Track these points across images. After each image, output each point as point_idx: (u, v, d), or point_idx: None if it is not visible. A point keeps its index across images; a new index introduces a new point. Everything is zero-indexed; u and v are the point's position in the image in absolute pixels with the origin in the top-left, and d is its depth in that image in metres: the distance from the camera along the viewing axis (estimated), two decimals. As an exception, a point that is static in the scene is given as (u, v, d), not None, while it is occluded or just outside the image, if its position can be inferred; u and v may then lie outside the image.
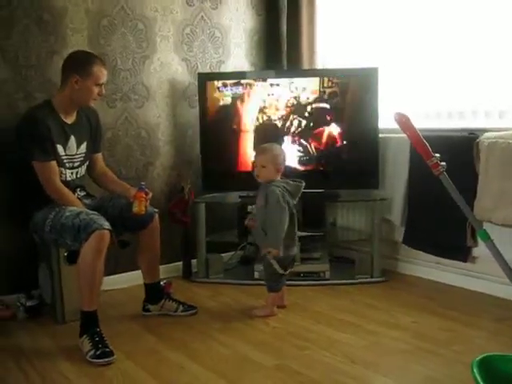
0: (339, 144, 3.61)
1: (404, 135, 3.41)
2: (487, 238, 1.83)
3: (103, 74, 2.80)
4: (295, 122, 3.61)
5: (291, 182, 2.94)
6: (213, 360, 2.48)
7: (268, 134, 3.58)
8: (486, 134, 3.14)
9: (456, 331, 2.75)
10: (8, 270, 3.12)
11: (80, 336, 2.58)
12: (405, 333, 2.75)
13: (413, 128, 1.76)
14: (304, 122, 3.61)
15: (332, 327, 2.85)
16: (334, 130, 3.60)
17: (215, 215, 3.85)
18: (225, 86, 3.62)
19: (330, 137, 3.61)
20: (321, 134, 3.62)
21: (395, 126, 3.45)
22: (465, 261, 3.34)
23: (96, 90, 2.78)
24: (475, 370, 1.88)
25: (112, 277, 3.35)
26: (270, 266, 2.96)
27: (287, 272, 3.01)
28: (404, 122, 1.75)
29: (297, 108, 3.61)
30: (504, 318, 2.91)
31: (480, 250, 3.27)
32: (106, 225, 2.59)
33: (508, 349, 2.26)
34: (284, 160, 2.99)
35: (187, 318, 3.01)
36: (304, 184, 2.97)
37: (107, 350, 2.49)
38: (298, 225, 3.04)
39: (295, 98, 3.59)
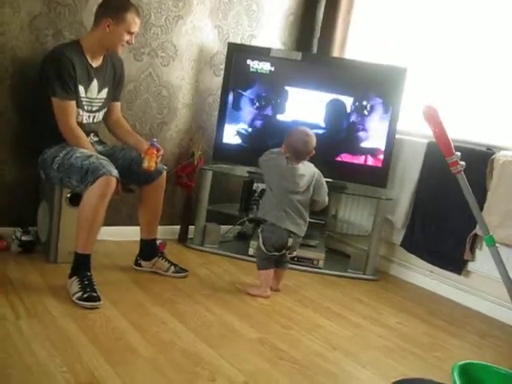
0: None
1: (420, 140, 3.48)
2: (492, 244, 1.83)
3: (136, 23, 2.78)
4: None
5: None
6: (197, 323, 2.48)
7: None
8: (503, 152, 3.14)
9: (439, 338, 2.77)
10: (9, 203, 3.12)
11: (70, 277, 2.58)
12: (389, 331, 2.76)
13: (439, 122, 1.75)
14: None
15: (318, 313, 2.86)
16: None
17: (220, 186, 3.86)
18: (253, 60, 3.60)
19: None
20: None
21: (413, 129, 3.54)
22: (459, 273, 3.36)
23: (126, 37, 2.76)
24: (455, 374, 1.89)
25: (110, 228, 3.34)
26: (258, 241, 2.99)
27: (273, 254, 2.95)
28: (431, 115, 1.74)
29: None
30: (488, 334, 2.93)
31: (476, 265, 3.28)
32: (115, 172, 2.59)
33: (487, 361, 2.27)
34: None
35: (177, 280, 3.01)
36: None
37: (94, 294, 2.49)
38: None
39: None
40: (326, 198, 3.07)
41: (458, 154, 1.79)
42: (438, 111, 1.74)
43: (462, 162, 1.79)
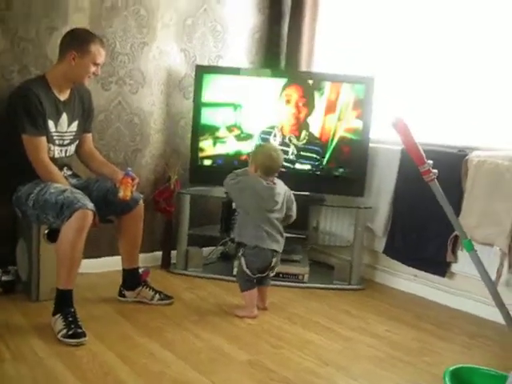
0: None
1: (394, 147, 3.51)
2: (471, 249, 1.85)
3: (101, 54, 2.77)
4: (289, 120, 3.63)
5: None
6: (186, 351, 2.46)
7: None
8: (476, 153, 3.17)
9: (428, 343, 2.77)
10: (-14, 243, 3.08)
11: (53, 314, 2.55)
12: (378, 340, 2.76)
13: (409, 133, 1.77)
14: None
15: (307, 329, 2.85)
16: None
17: (199, 208, 3.85)
18: (222, 80, 3.61)
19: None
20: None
21: (386, 136, 3.56)
22: (443, 276, 3.37)
23: (92, 68, 2.76)
24: (447, 380, 1.90)
25: (90, 260, 3.30)
26: (239, 264, 2.99)
27: (256, 276, 2.97)
28: (401, 126, 1.76)
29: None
30: (477, 334, 2.94)
31: (459, 266, 3.30)
32: (90, 205, 2.57)
33: (478, 363, 2.28)
34: None
35: (163, 308, 2.99)
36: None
37: (79, 330, 2.46)
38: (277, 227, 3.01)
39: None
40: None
41: (430, 162, 1.81)
42: (407, 123, 1.76)
43: (435, 170, 1.80)
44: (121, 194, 2.77)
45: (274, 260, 2.97)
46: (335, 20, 4.03)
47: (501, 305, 1.89)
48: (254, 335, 2.72)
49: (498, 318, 3.08)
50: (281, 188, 3.00)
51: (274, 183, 2.96)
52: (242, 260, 2.96)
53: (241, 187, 2.97)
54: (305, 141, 3.63)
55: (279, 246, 2.98)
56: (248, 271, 2.94)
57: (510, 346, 2.76)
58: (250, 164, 2.98)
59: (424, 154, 1.81)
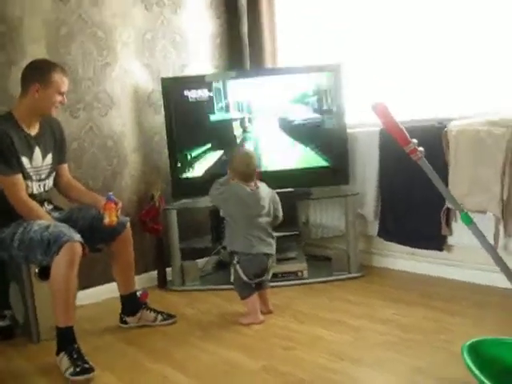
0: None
1: (372, 129, 3.49)
2: (470, 222, 1.82)
3: (64, 83, 2.72)
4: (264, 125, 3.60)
5: None
6: (197, 368, 2.41)
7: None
8: (454, 123, 3.16)
9: (439, 320, 2.75)
10: (-23, 291, 3.00)
11: (57, 354, 2.48)
12: (388, 325, 2.73)
13: (390, 115, 1.75)
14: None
15: (315, 325, 2.81)
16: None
17: (187, 221, 3.79)
18: (189, 89, 3.57)
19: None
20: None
21: (363, 120, 3.54)
22: (440, 250, 3.36)
23: (58, 98, 2.70)
24: (465, 355, 1.87)
25: (85, 291, 3.25)
26: (236, 272, 2.95)
27: (254, 281, 2.95)
28: (381, 110, 1.74)
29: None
30: (484, 303, 2.93)
31: (455, 238, 3.28)
32: (77, 237, 2.51)
33: (492, 333, 2.26)
34: None
35: (167, 328, 2.94)
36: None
37: (87, 366, 2.40)
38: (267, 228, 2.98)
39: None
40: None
41: (415, 141, 1.78)
42: (387, 106, 1.74)
43: (421, 148, 1.78)
44: (106, 221, 2.71)
45: (270, 262, 2.94)
46: (294, 11, 4.01)
47: (507, 270, 1.86)
48: (263, 341, 2.68)
49: (502, 283, 3.09)
50: (264, 191, 2.96)
51: (258, 187, 2.93)
52: (238, 267, 2.92)
53: (225, 197, 2.94)
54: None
55: (272, 249, 2.96)
56: (245, 277, 2.91)
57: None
58: (229, 173, 2.97)
59: (407, 135, 1.78)
